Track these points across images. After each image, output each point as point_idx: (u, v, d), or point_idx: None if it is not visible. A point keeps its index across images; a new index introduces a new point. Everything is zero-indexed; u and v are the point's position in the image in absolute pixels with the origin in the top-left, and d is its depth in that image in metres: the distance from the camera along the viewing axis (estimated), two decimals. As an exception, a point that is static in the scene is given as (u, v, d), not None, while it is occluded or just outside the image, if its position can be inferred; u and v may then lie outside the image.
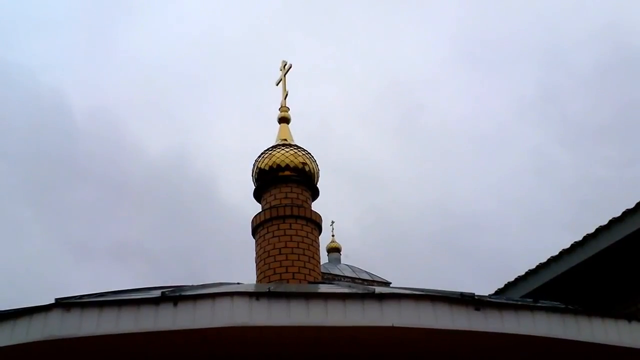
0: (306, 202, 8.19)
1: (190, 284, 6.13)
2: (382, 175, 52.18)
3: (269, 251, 7.73)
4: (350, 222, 46.68)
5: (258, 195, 8.41)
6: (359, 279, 20.61)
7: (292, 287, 6.45)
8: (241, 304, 4.36)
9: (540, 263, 9.23)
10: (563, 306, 5.01)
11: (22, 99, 46.63)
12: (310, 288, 5.96)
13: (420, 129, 54.01)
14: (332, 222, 23.52)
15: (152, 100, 53.78)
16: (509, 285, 9.76)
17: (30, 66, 52.15)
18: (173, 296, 4.41)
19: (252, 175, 8.48)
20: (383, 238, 46.83)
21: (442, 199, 50.01)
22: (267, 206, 8.09)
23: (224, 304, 4.35)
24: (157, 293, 4.56)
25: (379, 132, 54.29)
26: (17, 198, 44.08)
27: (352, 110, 54.58)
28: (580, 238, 8.64)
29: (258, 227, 8.00)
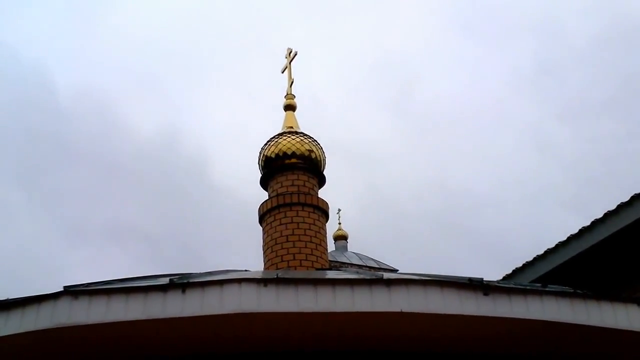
0: (313, 189, 8.18)
1: (196, 270, 6.14)
2: (378, 153, 51.24)
3: (276, 239, 7.74)
4: (348, 202, 46.23)
5: (265, 182, 8.40)
6: (366, 266, 20.64)
7: (300, 273, 6.45)
8: (249, 290, 4.35)
9: (548, 248, 9.20)
10: (572, 291, 4.99)
11: (5, 75, 45.40)
12: (318, 274, 5.96)
13: (415, 104, 53.05)
14: (339, 210, 23.56)
15: (142, 78, 52.77)
16: (516, 271, 9.74)
17: (13, 42, 50.86)
18: (181, 283, 4.40)
19: (259, 163, 8.47)
20: (382, 218, 46.25)
21: (439, 177, 49.38)
22: (274, 194, 8.08)
23: (232, 291, 4.34)
24: (165, 280, 4.55)
25: (374, 108, 53.16)
26: (5, 181, 43.48)
27: (344, 85, 53.46)
28: (588, 222, 8.62)
29: (265, 214, 8.00)
